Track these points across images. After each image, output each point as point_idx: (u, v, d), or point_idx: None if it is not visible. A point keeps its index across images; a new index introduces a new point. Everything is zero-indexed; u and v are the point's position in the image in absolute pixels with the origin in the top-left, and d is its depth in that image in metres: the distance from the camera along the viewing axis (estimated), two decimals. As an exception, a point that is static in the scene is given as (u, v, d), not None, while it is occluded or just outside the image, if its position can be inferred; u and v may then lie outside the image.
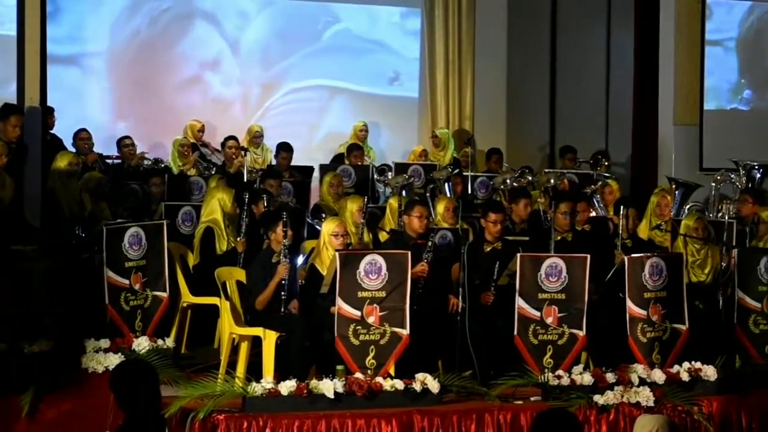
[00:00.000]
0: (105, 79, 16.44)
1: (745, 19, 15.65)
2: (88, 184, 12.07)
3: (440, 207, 11.46)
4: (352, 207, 11.09)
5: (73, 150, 13.55)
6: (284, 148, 15.06)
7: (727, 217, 11.91)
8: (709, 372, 9.51)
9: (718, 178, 13.91)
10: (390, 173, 14.52)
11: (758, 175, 13.85)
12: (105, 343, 9.67)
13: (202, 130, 15.38)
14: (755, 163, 13.93)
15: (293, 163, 15.01)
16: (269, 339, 9.32)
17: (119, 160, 14.33)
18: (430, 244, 9.94)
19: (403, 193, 12.77)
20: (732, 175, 14.02)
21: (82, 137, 14.10)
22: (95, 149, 14.30)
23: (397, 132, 17.51)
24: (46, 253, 10.89)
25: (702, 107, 15.15)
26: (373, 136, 16.60)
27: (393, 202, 11.70)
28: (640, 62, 16.30)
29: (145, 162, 14.13)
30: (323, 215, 11.67)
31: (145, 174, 13.19)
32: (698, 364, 9.52)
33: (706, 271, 10.78)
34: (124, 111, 16.45)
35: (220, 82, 16.94)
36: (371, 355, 8.87)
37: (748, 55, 15.74)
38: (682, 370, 9.45)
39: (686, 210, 12.81)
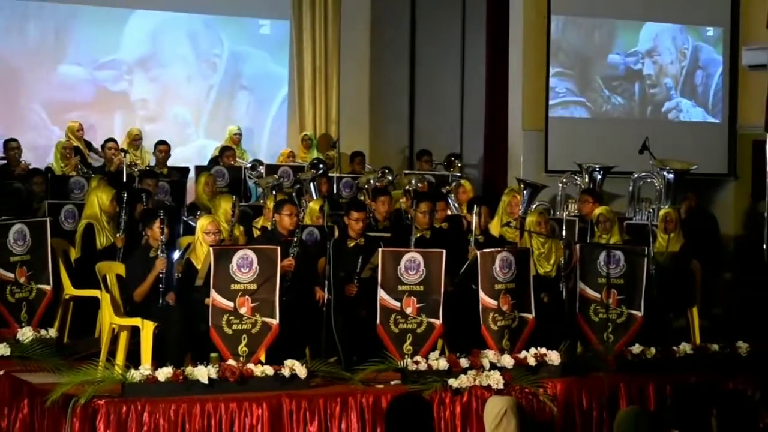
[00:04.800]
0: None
1: (584, 33, 15.87)
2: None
3: (314, 206, 11.47)
4: (225, 205, 11.06)
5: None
6: (162, 142, 15.19)
7: (567, 215, 12.07)
8: (553, 357, 9.62)
9: (564, 179, 14.09)
10: (261, 167, 14.50)
11: (599, 177, 14.07)
12: None
13: (80, 129, 15.19)
14: (596, 166, 14.15)
15: (172, 163, 14.96)
16: (147, 329, 9.25)
17: (4, 161, 14.10)
18: (295, 240, 9.96)
19: (274, 192, 12.74)
20: (576, 177, 14.21)
21: (-32, 140, 13.91)
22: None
23: (268, 135, 17.48)
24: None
25: (547, 114, 15.34)
26: (246, 138, 16.54)
27: (270, 202, 11.74)
28: (491, 72, 16.47)
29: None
30: (198, 212, 11.62)
31: (28, 174, 12.99)
32: (543, 350, 9.63)
33: (551, 262, 10.94)
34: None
35: (101, 82, 16.78)
36: (243, 343, 8.84)
37: (586, 65, 15.97)
38: (529, 356, 9.55)
39: (533, 208, 12.95)
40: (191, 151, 16.38)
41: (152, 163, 15.05)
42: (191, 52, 17.27)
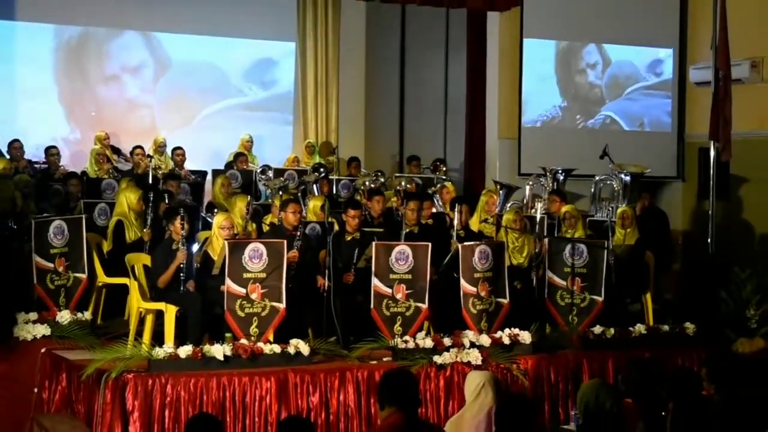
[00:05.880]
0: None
1: (552, 54, 15.85)
2: (18, 184, 11.88)
3: (315, 204, 11.44)
4: (241, 204, 11.03)
5: (8, 157, 13.32)
6: (178, 148, 15.23)
7: (539, 213, 12.05)
8: (525, 336, 9.66)
9: (530, 182, 14.07)
10: (270, 172, 14.43)
11: (561, 178, 14.04)
12: (33, 316, 9.65)
13: (107, 138, 15.12)
14: (559, 169, 14.12)
15: (192, 168, 14.94)
16: (170, 312, 9.25)
17: (45, 166, 14.10)
18: (299, 234, 9.94)
19: (281, 192, 12.71)
20: (541, 179, 14.19)
21: (15, 147, 13.86)
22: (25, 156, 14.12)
23: (275, 142, 17.46)
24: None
25: (520, 124, 15.31)
26: (257, 145, 16.51)
27: (277, 201, 11.71)
28: (471, 88, 16.44)
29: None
30: (215, 210, 11.59)
31: (66, 177, 12.98)
32: (516, 330, 9.66)
33: (524, 254, 10.93)
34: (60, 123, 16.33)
35: (131, 96, 16.83)
36: (254, 324, 8.85)
37: (554, 82, 15.95)
38: (504, 335, 9.58)
39: (508, 207, 12.93)
40: (208, 156, 16.33)
41: (172, 165, 15.04)
42: (208, 69, 17.28)
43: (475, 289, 9.62)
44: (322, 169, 14.56)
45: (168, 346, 8.60)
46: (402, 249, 9.49)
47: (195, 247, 9.78)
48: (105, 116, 16.33)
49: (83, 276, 10.01)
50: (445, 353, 9.21)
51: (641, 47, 16.23)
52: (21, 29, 16.01)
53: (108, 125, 15.74)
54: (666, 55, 16.26)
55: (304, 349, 8.84)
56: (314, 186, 13.53)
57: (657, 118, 16.22)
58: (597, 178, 14.16)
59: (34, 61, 16.08)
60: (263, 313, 8.90)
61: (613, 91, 16.19)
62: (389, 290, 9.40)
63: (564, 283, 10.28)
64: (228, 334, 8.83)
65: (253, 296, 8.87)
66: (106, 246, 11.01)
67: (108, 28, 16.55)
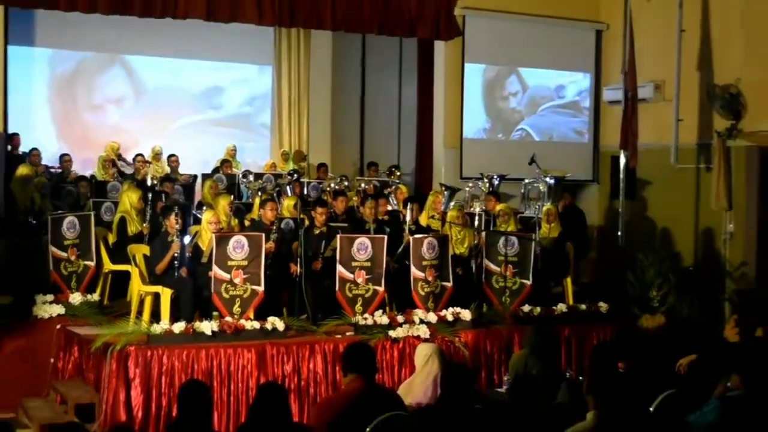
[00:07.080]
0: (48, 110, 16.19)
1: (488, 77, 15.90)
2: (37, 186, 11.84)
3: (289, 203, 11.44)
4: (224, 203, 11.02)
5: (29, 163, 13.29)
6: (172, 155, 15.16)
7: (477, 210, 12.11)
8: (466, 314, 9.74)
9: (470, 184, 14.12)
10: (251, 176, 14.40)
11: (496, 182, 14.08)
12: (50, 297, 9.71)
13: (119, 148, 15.14)
14: (494, 174, 14.16)
15: (186, 171, 14.90)
16: (166, 294, 9.25)
17: (60, 170, 14.04)
18: (274, 228, 9.96)
19: (260, 193, 12.70)
20: (479, 182, 14.23)
21: (34, 154, 13.78)
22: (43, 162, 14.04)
23: (255, 151, 17.46)
24: (8, 235, 10.81)
25: (462, 136, 15.34)
26: (240, 153, 16.49)
27: (257, 200, 11.71)
28: (421, 104, 16.42)
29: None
30: (204, 208, 11.56)
31: (77, 180, 12.93)
32: (458, 309, 9.74)
33: (465, 245, 10.99)
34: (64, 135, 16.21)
35: (135, 120, 16.77)
36: (237, 305, 8.88)
37: (491, 100, 16.00)
38: (448, 313, 9.66)
39: (452, 205, 12.99)
40: (200, 162, 16.29)
41: (168, 169, 15.03)
42: (197, 91, 17.26)
43: (423, 275, 9.69)
44: (295, 174, 14.56)
45: (164, 323, 8.63)
46: (362, 240, 9.54)
47: (187, 239, 9.76)
48: (91, 138, 16.17)
49: (92, 263, 10.04)
50: (399, 328, 9.28)
51: (564, 71, 16.28)
52: (33, 53, 15.96)
53: (95, 146, 15.62)
54: (574, 79, 16.28)
55: (280, 325, 8.89)
56: (288, 187, 13.52)
57: (577, 131, 16.33)
58: (526, 181, 14.22)
59: (36, 83, 16.03)
60: (245, 295, 8.93)
61: (540, 107, 16.24)
62: (351, 275, 9.45)
63: (498, 269, 10.36)
64: (215, 313, 8.84)
65: (236, 281, 8.90)
66: (112, 238, 10.98)
67: (100, 58, 16.43)
